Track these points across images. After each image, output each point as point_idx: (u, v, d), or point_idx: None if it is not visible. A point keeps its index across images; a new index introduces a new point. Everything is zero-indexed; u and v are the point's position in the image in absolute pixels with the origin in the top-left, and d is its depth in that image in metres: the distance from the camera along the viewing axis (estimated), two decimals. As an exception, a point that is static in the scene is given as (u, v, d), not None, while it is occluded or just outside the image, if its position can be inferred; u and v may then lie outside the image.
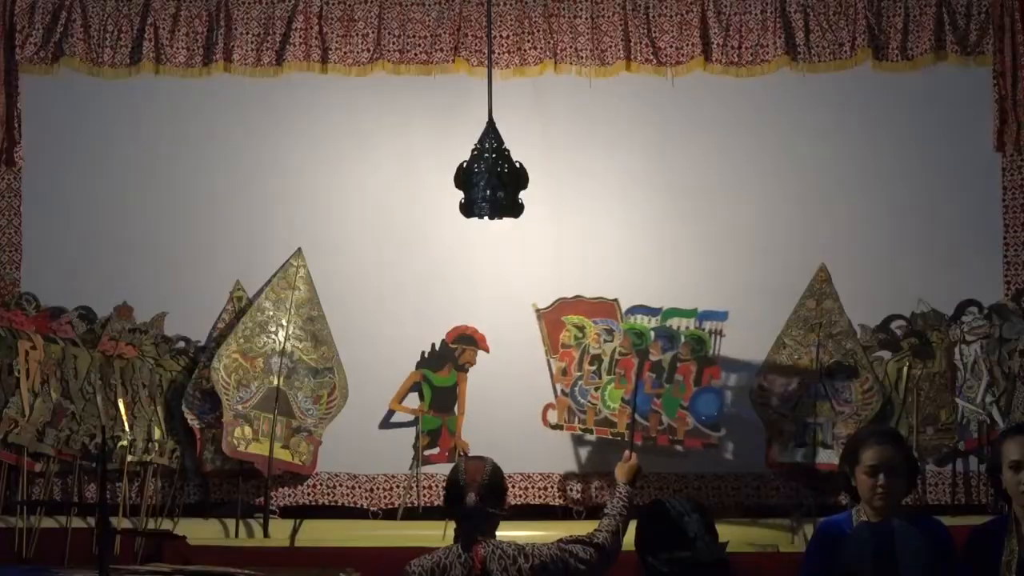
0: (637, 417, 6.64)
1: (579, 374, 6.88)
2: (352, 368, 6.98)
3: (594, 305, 6.92)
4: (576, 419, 6.85)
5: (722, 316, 6.86)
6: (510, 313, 6.96)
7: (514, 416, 6.89)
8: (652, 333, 6.85)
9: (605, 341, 6.88)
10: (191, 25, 7.10)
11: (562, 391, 6.87)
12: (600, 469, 6.83)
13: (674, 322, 6.87)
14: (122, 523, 6.67)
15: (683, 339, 6.84)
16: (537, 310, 6.92)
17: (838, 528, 4.81)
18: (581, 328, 6.88)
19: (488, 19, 6.31)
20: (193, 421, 6.90)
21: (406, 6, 7.08)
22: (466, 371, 6.98)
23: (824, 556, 4.78)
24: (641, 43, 7.03)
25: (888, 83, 7.00)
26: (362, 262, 7.04)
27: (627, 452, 5.85)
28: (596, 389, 6.87)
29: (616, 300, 6.91)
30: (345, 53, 7.08)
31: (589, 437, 6.87)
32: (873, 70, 6.99)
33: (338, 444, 6.96)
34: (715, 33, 7.01)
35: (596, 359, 6.89)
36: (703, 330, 6.84)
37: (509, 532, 5.09)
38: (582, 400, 6.86)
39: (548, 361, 6.92)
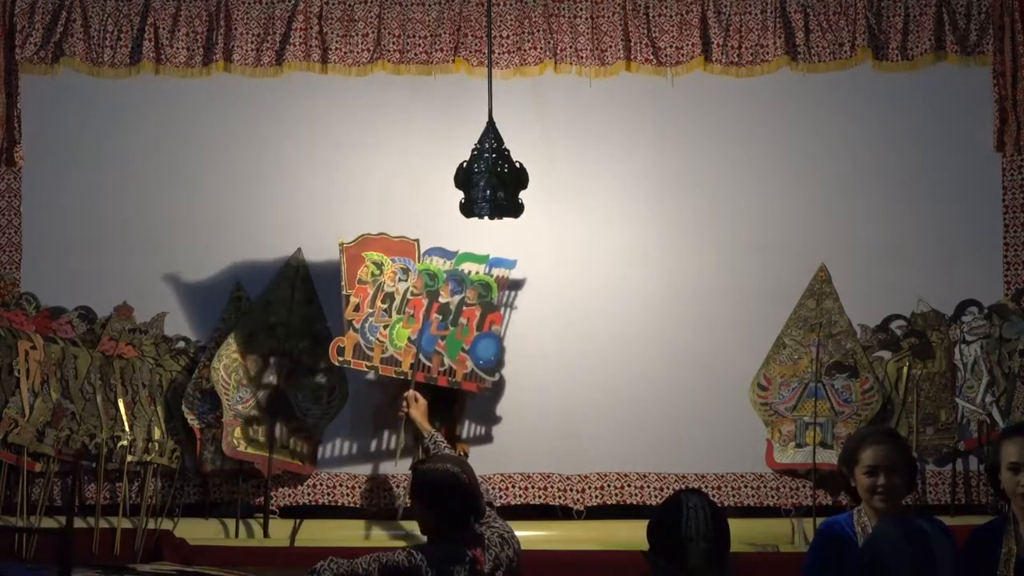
0: (421, 357, 6.68)
1: (371, 311, 6.81)
2: (352, 368, 6.97)
3: (395, 244, 6.87)
4: (363, 356, 6.79)
5: (510, 264, 6.85)
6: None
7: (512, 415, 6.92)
8: (444, 275, 6.84)
9: (400, 280, 6.84)
10: (191, 25, 7.10)
11: (352, 327, 6.80)
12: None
13: (466, 266, 6.86)
14: (122, 523, 6.69)
15: (471, 284, 6.83)
16: (341, 244, 6.84)
17: (840, 528, 4.81)
18: (379, 265, 6.83)
19: (488, 19, 6.30)
20: (193, 421, 6.89)
21: (406, 6, 7.08)
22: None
23: (827, 557, 4.78)
24: (641, 43, 7.02)
25: (888, 83, 6.99)
26: (362, 262, 7.04)
27: (412, 392, 6.10)
28: (385, 327, 6.80)
29: (417, 240, 6.87)
30: (345, 53, 7.08)
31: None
32: (873, 70, 6.98)
33: (338, 444, 6.97)
34: (715, 33, 7.01)
35: (389, 297, 6.84)
36: (491, 276, 6.83)
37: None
38: (371, 337, 6.78)
39: (343, 296, 6.84)
